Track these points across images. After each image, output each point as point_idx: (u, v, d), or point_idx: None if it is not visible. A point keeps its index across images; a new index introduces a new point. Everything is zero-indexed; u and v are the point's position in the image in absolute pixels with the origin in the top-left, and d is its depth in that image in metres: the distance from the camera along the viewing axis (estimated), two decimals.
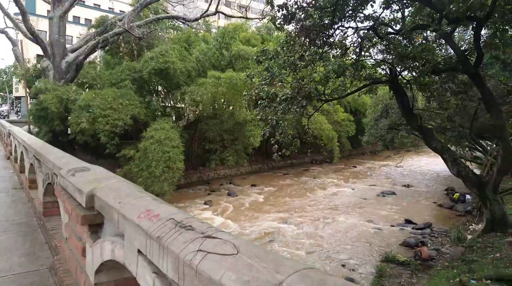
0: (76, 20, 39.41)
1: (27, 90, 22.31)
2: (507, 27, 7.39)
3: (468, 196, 17.92)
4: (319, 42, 10.93)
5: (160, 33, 22.12)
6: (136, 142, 18.56)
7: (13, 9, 22.25)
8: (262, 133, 11.43)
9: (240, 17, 17.76)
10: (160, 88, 22.36)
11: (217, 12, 16.70)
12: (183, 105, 23.90)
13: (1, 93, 72.75)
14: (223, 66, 22.10)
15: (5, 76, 36.54)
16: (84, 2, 41.46)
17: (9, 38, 22.95)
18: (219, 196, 20.41)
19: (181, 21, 23.75)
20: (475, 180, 9.32)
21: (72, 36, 35.01)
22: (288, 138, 11.47)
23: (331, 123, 26.65)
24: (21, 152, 8.55)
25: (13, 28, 25.41)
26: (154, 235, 1.31)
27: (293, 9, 9.54)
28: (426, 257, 10.57)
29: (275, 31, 34.09)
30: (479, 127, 15.51)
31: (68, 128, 18.60)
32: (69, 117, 17.86)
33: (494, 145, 16.34)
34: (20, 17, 18.82)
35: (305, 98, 10.93)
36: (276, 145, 12.46)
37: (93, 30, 21.49)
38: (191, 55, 22.30)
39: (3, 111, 51.97)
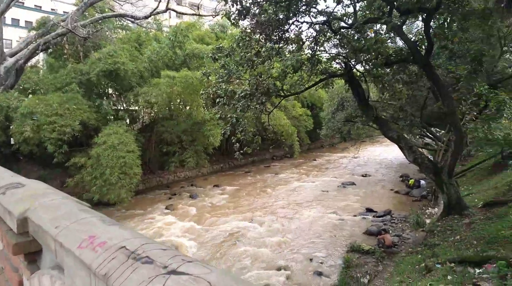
0: (15, 22, 36.50)
1: None
2: (453, 18, 7.70)
3: (422, 182, 18.83)
4: (275, 38, 10.82)
5: (107, 33, 20.94)
6: (87, 149, 17.45)
7: None
8: (223, 131, 11.13)
9: (192, 14, 17.22)
10: (110, 90, 21.21)
11: (167, 9, 16.04)
12: (136, 108, 22.92)
13: None
14: (177, 66, 21.42)
15: None
16: (23, 3, 38.45)
17: None
18: (180, 199, 19.79)
19: (129, 20, 22.70)
20: (431, 166, 9.69)
21: (11, 40, 32.34)
22: (249, 135, 11.26)
23: (290, 119, 26.90)
24: None
25: None
26: (99, 272, 0.99)
27: (248, 4, 9.33)
28: (389, 244, 10.86)
29: (229, 29, 33.82)
30: (428, 115, 16.32)
31: (11, 138, 17.08)
32: (11, 127, 16.40)
33: (443, 132, 17.36)
34: None
35: (264, 94, 10.78)
36: (237, 144, 12.22)
37: (34, 32, 19.88)
38: (142, 55, 21.37)
39: None
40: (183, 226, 14.81)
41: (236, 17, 9.86)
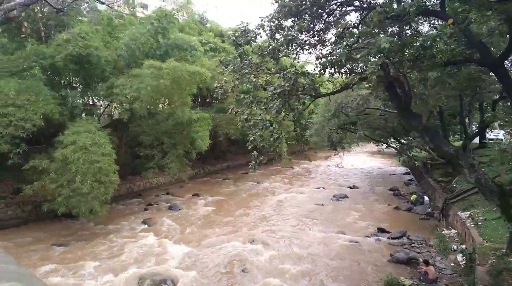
0: None
1: None
2: None
3: (426, 198, 17.83)
4: (315, 21, 8.91)
5: (81, 9, 17.68)
6: (50, 149, 14.22)
7: None
8: (251, 138, 8.86)
9: None
10: (76, 80, 17.87)
11: None
12: (105, 102, 19.71)
13: None
14: (157, 56, 18.60)
15: None
16: None
17: None
18: (158, 211, 17.06)
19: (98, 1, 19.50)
20: (496, 189, 8.27)
21: None
22: (278, 141, 9.13)
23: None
24: None
25: None
26: None
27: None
28: (434, 278, 9.31)
29: (209, 22, 31.33)
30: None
31: None
32: None
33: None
34: None
35: (299, 92, 8.80)
36: (254, 152, 10.10)
37: None
38: (117, 41, 18.33)
39: None
40: (171, 248, 12.24)
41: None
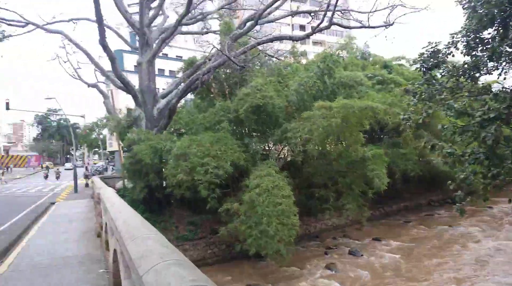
0: (161, 72, 40.28)
1: (120, 142, 21.29)
2: None
3: None
4: None
5: (255, 65, 19.89)
6: (237, 192, 15.59)
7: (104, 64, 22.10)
8: (462, 176, 7.35)
9: (361, 27, 14.48)
10: (255, 128, 19.64)
11: (332, 24, 13.67)
12: (277, 146, 20.86)
13: (96, 149, 78.89)
14: (324, 97, 18.76)
15: (97, 129, 38.02)
16: (167, 55, 42.70)
17: (100, 91, 22.60)
18: (339, 255, 16.16)
19: (270, 55, 21.45)
20: None
21: (158, 88, 35.33)
22: (499, 178, 7.21)
23: None
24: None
25: (104, 82, 25.58)
26: None
27: None
28: None
29: (371, 56, 30.57)
30: None
31: (164, 182, 16.45)
32: (163, 169, 15.75)
33: None
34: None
35: None
36: (459, 192, 8.36)
37: (182, 73, 20.07)
38: (288, 89, 19.46)
39: (98, 166, 54.44)
40: None
41: None
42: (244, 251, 13.97)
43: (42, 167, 70.00)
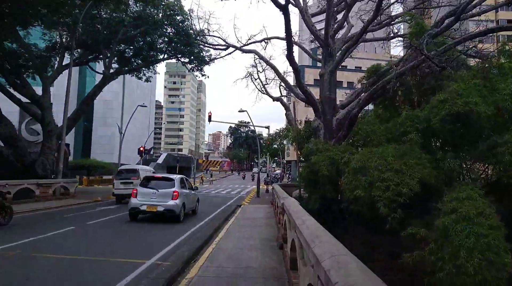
0: (339, 84, 40.21)
1: (298, 152, 21.93)
2: None
3: None
4: None
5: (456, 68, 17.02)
6: (425, 215, 13.33)
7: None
8: None
9: None
10: (448, 141, 16.64)
11: None
12: (481, 163, 17.00)
13: (275, 158, 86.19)
14: None
15: (279, 139, 41.58)
16: (346, 66, 42.31)
17: (283, 104, 23.93)
18: None
19: (471, 55, 17.86)
20: None
21: (336, 100, 35.25)
22: None
23: None
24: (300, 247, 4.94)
25: (286, 96, 27.11)
26: None
27: None
28: None
29: None
30: None
31: (339, 195, 15.80)
32: (339, 182, 15.07)
33: None
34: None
35: None
36: None
37: (365, 81, 19.09)
38: (497, 93, 15.68)
39: (277, 174, 59.10)
40: None
41: None
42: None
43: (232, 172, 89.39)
